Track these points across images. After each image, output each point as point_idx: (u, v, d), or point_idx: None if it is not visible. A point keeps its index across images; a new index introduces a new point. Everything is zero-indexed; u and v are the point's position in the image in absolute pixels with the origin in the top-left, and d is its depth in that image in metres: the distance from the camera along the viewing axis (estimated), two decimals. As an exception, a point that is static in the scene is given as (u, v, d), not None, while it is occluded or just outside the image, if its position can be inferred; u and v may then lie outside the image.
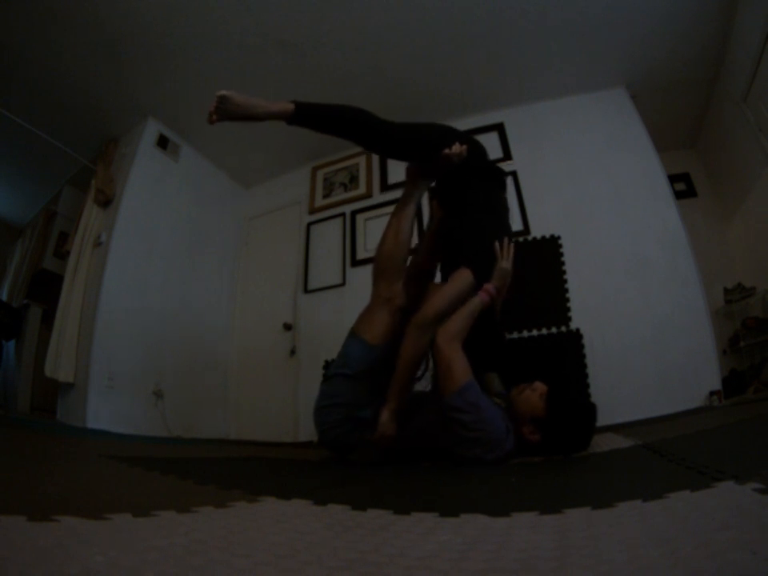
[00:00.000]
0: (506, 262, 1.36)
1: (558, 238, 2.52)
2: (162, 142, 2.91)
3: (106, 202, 2.67)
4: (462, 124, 3.00)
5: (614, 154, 2.65)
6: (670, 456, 0.84)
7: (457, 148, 1.40)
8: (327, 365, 2.62)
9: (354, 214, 3.05)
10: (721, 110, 2.82)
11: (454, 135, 1.49)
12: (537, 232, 2.57)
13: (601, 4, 2.26)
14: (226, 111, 1.29)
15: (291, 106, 1.31)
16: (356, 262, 2.92)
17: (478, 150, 1.54)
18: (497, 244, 1.37)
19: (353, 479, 1.02)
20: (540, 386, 1.23)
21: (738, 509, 0.43)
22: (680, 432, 1.35)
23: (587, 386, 2.17)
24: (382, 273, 1.48)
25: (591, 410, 1.23)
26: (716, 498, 0.48)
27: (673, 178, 2.83)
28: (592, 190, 2.60)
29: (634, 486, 0.68)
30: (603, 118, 2.77)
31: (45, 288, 3.14)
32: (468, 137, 1.55)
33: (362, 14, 2.25)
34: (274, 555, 0.37)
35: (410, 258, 1.56)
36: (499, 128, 2.91)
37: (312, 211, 3.23)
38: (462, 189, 1.46)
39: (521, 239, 2.58)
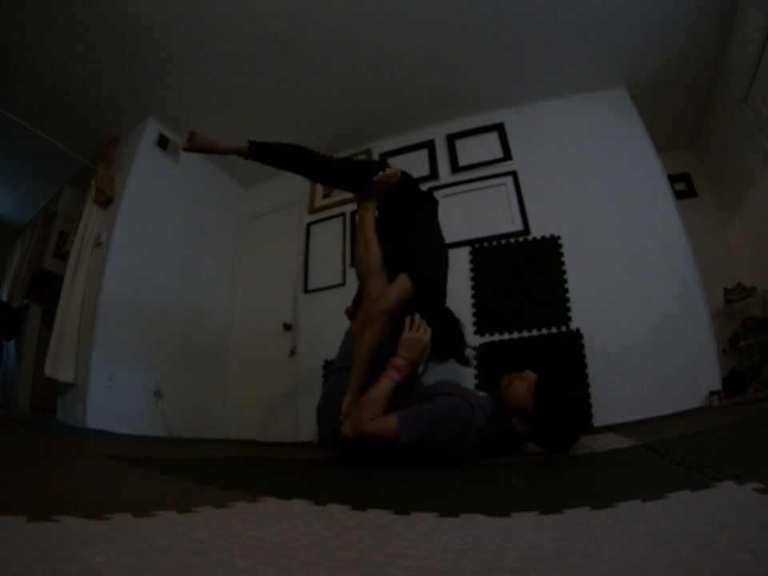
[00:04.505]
0: (417, 333, 1.33)
1: (558, 238, 2.52)
2: (162, 142, 2.91)
3: (106, 201, 2.67)
4: (462, 124, 3.02)
5: (614, 154, 2.65)
6: (670, 456, 0.84)
7: (390, 170, 1.64)
8: (327, 365, 2.62)
9: (354, 213, 3.05)
10: (721, 110, 2.82)
11: (384, 164, 1.72)
12: (537, 232, 2.57)
13: (601, 4, 2.26)
14: (194, 142, 1.52)
15: (247, 144, 1.55)
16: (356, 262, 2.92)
17: (410, 179, 1.77)
18: (408, 318, 1.38)
19: (353, 479, 1.02)
20: (530, 376, 1.22)
21: (738, 509, 0.43)
22: (680, 432, 1.35)
23: (587, 385, 2.17)
24: (366, 278, 1.61)
25: (580, 399, 1.23)
26: (716, 498, 0.48)
27: (673, 178, 2.83)
28: (592, 189, 2.60)
29: (633, 486, 0.68)
30: (603, 118, 2.77)
31: (45, 288, 3.14)
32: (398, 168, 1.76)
33: (363, 13, 2.25)
34: (274, 555, 0.37)
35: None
36: (499, 128, 2.91)
37: (312, 211, 3.23)
38: (396, 215, 1.69)
39: (521, 239, 2.58)
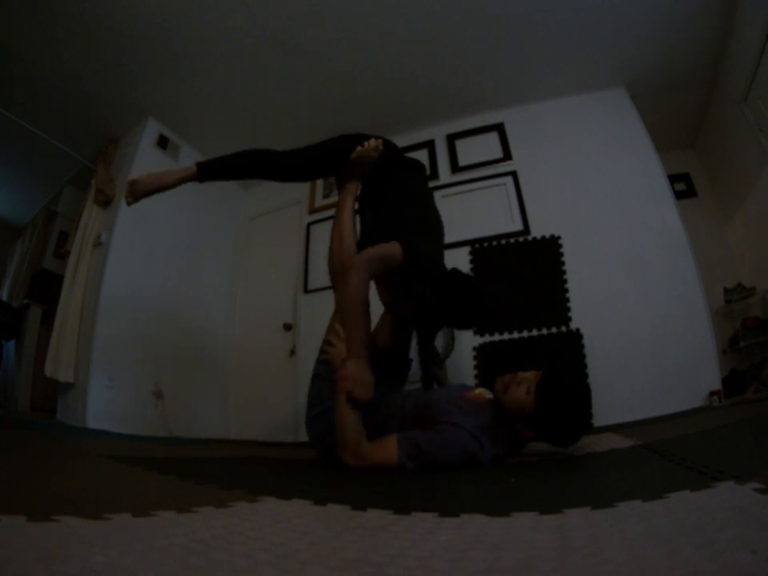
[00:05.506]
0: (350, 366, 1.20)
1: (558, 238, 2.52)
2: (162, 142, 2.91)
3: (106, 202, 2.67)
4: (462, 124, 3.02)
5: (614, 154, 2.65)
6: (670, 456, 0.84)
7: (372, 142, 1.48)
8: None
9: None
10: (721, 110, 2.82)
11: (363, 136, 1.54)
12: (537, 232, 2.57)
13: (601, 4, 2.26)
14: (137, 192, 1.44)
15: (194, 168, 1.45)
16: (356, 262, 2.92)
17: (392, 145, 1.63)
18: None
19: (353, 479, 1.02)
20: (524, 377, 1.16)
21: (738, 509, 0.43)
22: (680, 432, 1.35)
23: (587, 385, 2.17)
24: (339, 277, 1.46)
25: (582, 396, 1.17)
26: (716, 498, 0.48)
27: (673, 178, 2.83)
28: (592, 189, 2.60)
29: (633, 486, 0.68)
30: (603, 118, 2.77)
31: (45, 288, 3.14)
32: (379, 136, 1.56)
33: (363, 13, 2.25)
34: (274, 555, 0.37)
35: None
36: (499, 128, 2.91)
37: (312, 211, 3.23)
38: (384, 183, 1.53)
39: (521, 239, 2.58)
